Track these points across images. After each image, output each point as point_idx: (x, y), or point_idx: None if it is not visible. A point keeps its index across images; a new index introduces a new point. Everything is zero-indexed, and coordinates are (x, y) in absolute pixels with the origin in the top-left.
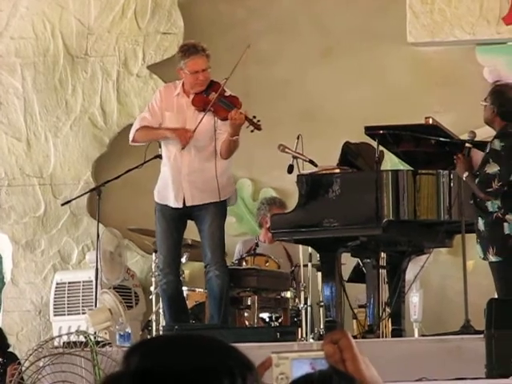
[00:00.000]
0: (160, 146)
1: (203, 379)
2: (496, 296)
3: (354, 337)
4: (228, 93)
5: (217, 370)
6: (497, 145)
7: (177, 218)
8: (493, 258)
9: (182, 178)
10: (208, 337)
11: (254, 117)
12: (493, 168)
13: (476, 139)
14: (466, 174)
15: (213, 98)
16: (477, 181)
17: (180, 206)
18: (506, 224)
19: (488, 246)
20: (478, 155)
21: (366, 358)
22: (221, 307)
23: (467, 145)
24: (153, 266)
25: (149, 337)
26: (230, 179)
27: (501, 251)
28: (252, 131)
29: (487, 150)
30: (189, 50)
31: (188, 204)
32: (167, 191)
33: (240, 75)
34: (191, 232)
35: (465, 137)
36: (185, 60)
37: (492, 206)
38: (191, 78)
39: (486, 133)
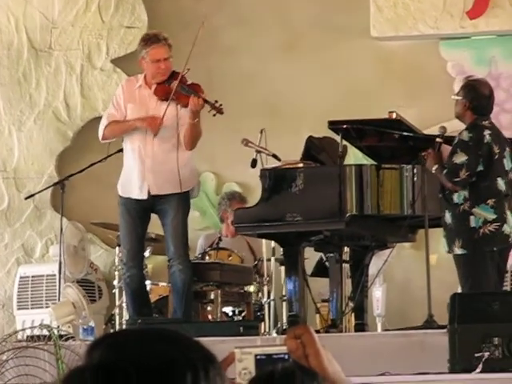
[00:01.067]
0: (123, 140)
1: (166, 372)
2: (459, 290)
3: (317, 331)
4: (190, 81)
5: (179, 363)
6: (465, 136)
7: (140, 211)
8: (458, 251)
9: (145, 169)
10: (171, 330)
11: (216, 101)
12: (460, 158)
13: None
14: (435, 167)
15: (174, 87)
16: (445, 171)
17: (144, 196)
18: (472, 217)
19: (454, 239)
20: (447, 151)
21: (328, 353)
22: (184, 301)
23: (438, 140)
24: (116, 260)
25: (112, 331)
26: (193, 172)
27: (466, 244)
28: (214, 115)
29: (455, 141)
30: (150, 39)
31: (152, 193)
32: (130, 184)
33: (203, 68)
34: (155, 226)
35: (431, 131)
36: (146, 49)
37: (458, 197)
38: (153, 66)
39: (451, 127)
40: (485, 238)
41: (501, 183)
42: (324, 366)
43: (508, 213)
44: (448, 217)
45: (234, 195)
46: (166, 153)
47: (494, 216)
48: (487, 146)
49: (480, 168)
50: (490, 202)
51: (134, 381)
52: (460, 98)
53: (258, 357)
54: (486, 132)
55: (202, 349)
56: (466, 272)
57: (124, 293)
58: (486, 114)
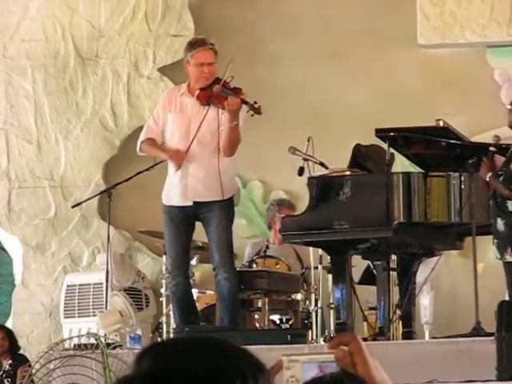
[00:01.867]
0: None
1: (214, 381)
2: (507, 297)
3: (365, 339)
4: (232, 86)
5: (228, 371)
6: None
7: (184, 219)
8: (510, 258)
9: (188, 176)
10: (219, 339)
11: (255, 102)
12: None
13: (487, 141)
14: (489, 175)
15: (215, 90)
16: (501, 179)
17: (188, 203)
18: None
19: (506, 246)
20: (500, 160)
21: (376, 361)
22: (230, 309)
23: (491, 148)
24: (163, 268)
25: (159, 339)
26: (233, 179)
27: None
28: (252, 115)
29: (511, 149)
30: (197, 42)
31: (195, 200)
32: (173, 191)
33: (250, 77)
34: (202, 234)
35: (477, 139)
36: (191, 52)
37: None
38: (196, 70)
39: (500, 135)
40: None
41: None
42: (372, 375)
43: None
44: (501, 224)
45: (284, 201)
46: (207, 159)
47: None
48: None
49: None
50: None
51: None
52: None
53: (306, 364)
54: None
55: (251, 357)
56: None
57: (170, 301)
58: None
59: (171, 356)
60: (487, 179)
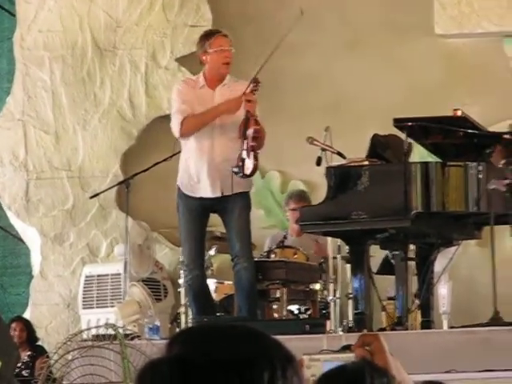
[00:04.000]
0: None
1: (243, 369)
2: None
3: (383, 329)
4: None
5: (258, 360)
6: None
7: (202, 211)
8: None
9: (215, 168)
10: (252, 328)
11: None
12: None
13: (505, 131)
14: (502, 162)
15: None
16: None
17: (217, 194)
18: None
19: None
20: None
21: (397, 362)
22: (249, 299)
23: (506, 136)
24: (181, 259)
25: (177, 330)
26: None
27: None
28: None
29: None
30: (211, 32)
31: (225, 193)
32: (199, 183)
33: (268, 67)
34: (219, 224)
35: (495, 128)
36: (209, 40)
37: None
38: (217, 56)
39: None
40: None
41: None
42: (392, 375)
43: None
44: None
45: (292, 195)
46: (234, 152)
47: None
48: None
49: None
50: None
51: (211, 376)
52: None
53: (326, 363)
54: None
55: (282, 348)
56: None
57: (187, 294)
58: None
59: (200, 342)
60: (500, 165)
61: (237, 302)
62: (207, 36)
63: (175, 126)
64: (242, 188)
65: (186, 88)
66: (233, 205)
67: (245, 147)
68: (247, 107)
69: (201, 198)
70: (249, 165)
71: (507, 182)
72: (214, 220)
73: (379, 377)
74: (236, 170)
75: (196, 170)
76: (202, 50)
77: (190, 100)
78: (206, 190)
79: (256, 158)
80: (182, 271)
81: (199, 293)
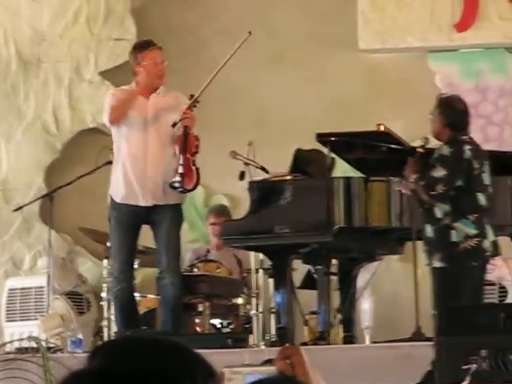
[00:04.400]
0: (111, 148)
1: (164, 381)
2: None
3: (305, 343)
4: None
5: (178, 373)
6: (445, 150)
7: (133, 221)
8: (437, 264)
9: (147, 176)
10: (175, 341)
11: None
12: (439, 172)
13: (433, 145)
14: (414, 177)
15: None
16: (422, 183)
17: (149, 204)
18: (453, 231)
19: (434, 252)
20: None
21: (316, 374)
22: (174, 314)
23: (419, 150)
24: (104, 272)
25: (100, 343)
26: None
27: (446, 258)
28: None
29: (435, 156)
30: (146, 43)
31: (154, 202)
32: (131, 190)
33: (192, 81)
34: (142, 238)
35: (417, 143)
36: (143, 52)
37: (440, 212)
38: (153, 69)
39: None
40: (465, 253)
41: (481, 198)
42: None
43: (487, 227)
44: (429, 231)
45: (211, 210)
46: (166, 162)
47: (475, 231)
48: (467, 161)
49: (460, 183)
50: (471, 216)
51: None
52: (436, 116)
53: (248, 376)
54: (466, 147)
55: (203, 362)
56: (443, 285)
57: (113, 306)
58: (463, 129)
59: (122, 354)
60: (410, 180)
61: (162, 316)
62: (141, 48)
63: (106, 115)
64: (174, 200)
65: (119, 92)
66: (163, 216)
67: (182, 162)
68: (186, 123)
69: (132, 206)
70: (191, 179)
71: (412, 186)
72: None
73: None
74: (176, 184)
75: (128, 178)
76: (135, 61)
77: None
78: (137, 198)
79: (198, 173)
80: (104, 284)
81: (126, 305)
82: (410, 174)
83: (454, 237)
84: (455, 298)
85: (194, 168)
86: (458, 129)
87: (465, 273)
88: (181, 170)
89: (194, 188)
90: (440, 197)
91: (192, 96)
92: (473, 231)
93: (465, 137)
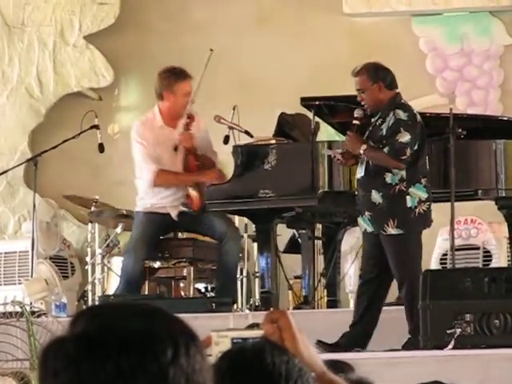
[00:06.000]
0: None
1: (146, 346)
2: (432, 266)
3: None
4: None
5: (160, 337)
6: (402, 115)
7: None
8: (393, 231)
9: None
10: (154, 306)
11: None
12: (405, 137)
13: (418, 110)
14: (364, 147)
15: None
16: (388, 150)
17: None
18: (408, 197)
19: (387, 219)
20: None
21: (304, 338)
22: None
23: (355, 122)
24: (89, 237)
25: (84, 307)
26: None
27: (402, 224)
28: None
29: (392, 121)
30: (182, 72)
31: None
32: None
33: (175, 45)
34: (126, 202)
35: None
36: (178, 82)
37: (392, 178)
38: (182, 98)
39: (425, 103)
40: (419, 218)
41: (427, 161)
42: (300, 351)
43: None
44: (377, 197)
45: None
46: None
47: (426, 195)
48: (420, 124)
49: (416, 147)
50: (423, 181)
51: (115, 353)
52: (369, 87)
53: (235, 340)
54: (415, 110)
55: (184, 325)
56: (404, 252)
57: (120, 276)
58: (397, 87)
59: (105, 319)
60: (361, 151)
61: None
62: (176, 77)
63: (147, 174)
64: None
65: (144, 129)
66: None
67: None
68: (184, 144)
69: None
70: (191, 202)
71: (340, 151)
72: (123, 199)
73: (279, 355)
74: (185, 208)
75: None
76: (167, 87)
77: (151, 142)
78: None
79: (201, 194)
80: (89, 248)
81: (133, 278)
82: (357, 147)
83: (410, 202)
84: (415, 263)
85: (193, 191)
86: (395, 87)
87: (418, 238)
88: (188, 190)
89: (201, 209)
90: (407, 161)
91: (188, 115)
92: (424, 195)
93: (403, 100)
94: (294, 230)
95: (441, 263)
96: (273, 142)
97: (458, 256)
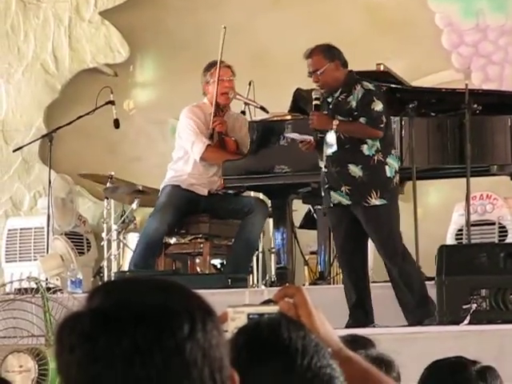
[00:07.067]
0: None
1: (163, 321)
2: (447, 241)
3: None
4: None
5: (177, 312)
6: (370, 86)
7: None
8: (377, 202)
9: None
10: (172, 281)
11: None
12: (378, 105)
13: (434, 85)
14: (336, 122)
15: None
16: (365, 120)
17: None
18: (387, 167)
19: (369, 191)
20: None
21: (321, 314)
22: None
23: (316, 102)
24: (104, 213)
25: (100, 283)
26: None
27: (384, 194)
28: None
29: (362, 93)
30: (214, 62)
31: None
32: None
33: (191, 22)
34: (141, 178)
35: (419, 83)
36: (211, 70)
37: (368, 149)
38: (221, 85)
39: (439, 79)
40: (397, 188)
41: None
42: (316, 327)
43: None
44: (357, 170)
45: None
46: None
47: (398, 165)
48: (384, 94)
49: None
50: (393, 151)
51: (131, 328)
52: (326, 68)
53: (251, 316)
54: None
55: (201, 301)
56: (386, 222)
57: (139, 239)
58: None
59: (121, 294)
60: (334, 127)
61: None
62: (209, 66)
63: (198, 147)
64: None
65: (198, 110)
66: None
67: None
68: (218, 129)
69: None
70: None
71: (306, 137)
72: (138, 175)
73: (296, 330)
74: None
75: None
76: (204, 80)
77: (203, 121)
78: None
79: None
80: (104, 224)
81: (153, 243)
82: (328, 123)
83: (389, 172)
84: (399, 233)
85: None
86: (347, 64)
87: (398, 208)
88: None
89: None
90: (384, 129)
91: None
92: (397, 165)
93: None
94: (310, 206)
95: (456, 239)
96: (288, 117)
97: (474, 231)
